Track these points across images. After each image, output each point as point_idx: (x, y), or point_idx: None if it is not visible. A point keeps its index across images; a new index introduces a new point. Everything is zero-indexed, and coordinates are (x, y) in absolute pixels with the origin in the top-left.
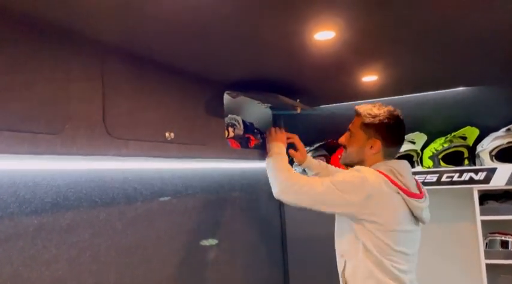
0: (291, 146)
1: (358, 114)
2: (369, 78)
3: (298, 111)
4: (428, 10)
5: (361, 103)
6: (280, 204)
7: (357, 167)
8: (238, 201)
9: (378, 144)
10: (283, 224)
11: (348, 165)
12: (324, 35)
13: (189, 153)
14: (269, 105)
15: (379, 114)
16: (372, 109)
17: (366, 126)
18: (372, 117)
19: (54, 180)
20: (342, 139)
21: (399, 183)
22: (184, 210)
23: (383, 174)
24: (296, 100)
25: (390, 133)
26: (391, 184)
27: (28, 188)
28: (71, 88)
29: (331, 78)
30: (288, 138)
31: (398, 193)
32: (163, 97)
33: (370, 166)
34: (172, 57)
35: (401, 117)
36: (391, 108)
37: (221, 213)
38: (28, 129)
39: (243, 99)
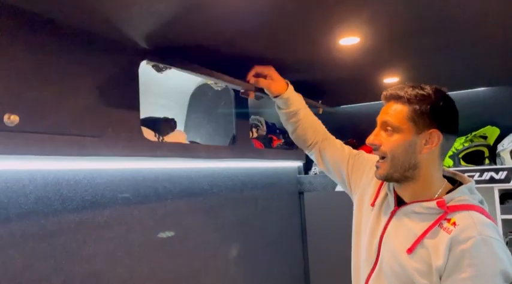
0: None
1: (396, 98)
2: (391, 79)
3: (320, 112)
4: (454, 14)
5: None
6: (300, 202)
7: (464, 224)
8: (260, 199)
9: (437, 135)
10: (303, 221)
11: (390, 180)
12: (349, 40)
13: (217, 153)
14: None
15: (429, 94)
16: (415, 90)
17: (416, 113)
18: (422, 100)
19: (93, 178)
20: (374, 139)
21: (494, 220)
22: (209, 208)
23: (485, 213)
24: (318, 102)
25: (449, 118)
26: (496, 226)
27: (70, 186)
28: (111, 94)
29: (353, 80)
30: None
31: None
32: None
33: (429, 177)
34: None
35: None
36: (434, 85)
37: (244, 210)
38: (76, 132)
39: (265, 101)
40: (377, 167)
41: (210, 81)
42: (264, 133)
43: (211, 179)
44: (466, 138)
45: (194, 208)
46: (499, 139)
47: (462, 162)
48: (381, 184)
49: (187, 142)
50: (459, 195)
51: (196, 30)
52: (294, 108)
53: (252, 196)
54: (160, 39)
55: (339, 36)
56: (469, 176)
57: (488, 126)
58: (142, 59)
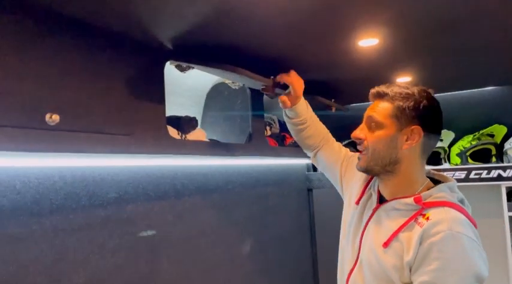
0: (282, 87)
1: (381, 96)
2: (403, 79)
3: (333, 110)
4: (470, 14)
5: None
6: (309, 198)
7: (436, 219)
8: (271, 195)
9: (418, 132)
10: (312, 218)
11: (370, 172)
12: (368, 42)
13: (236, 151)
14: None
15: (414, 93)
16: (400, 88)
17: (399, 109)
18: (405, 98)
19: (116, 175)
20: (358, 134)
21: (475, 221)
22: (224, 204)
23: (462, 211)
24: (331, 100)
25: (431, 116)
26: (472, 225)
27: (96, 183)
28: (139, 94)
29: (367, 80)
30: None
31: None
32: None
33: (409, 174)
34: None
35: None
36: (421, 86)
37: (256, 206)
38: (109, 131)
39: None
40: (359, 159)
41: (227, 81)
42: (277, 131)
43: (225, 176)
44: (474, 136)
45: (210, 204)
46: (506, 137)
47: (469, 160)
48: (367, 184)
49: (208, 140)
50: (437, 192)
51: (222, 32)
52: (301, 119)
53: (264, 193)
54: (184, 40)
55: (358, 37)
56: (476, 174)
57: (496, 125)
58: (167, 60)
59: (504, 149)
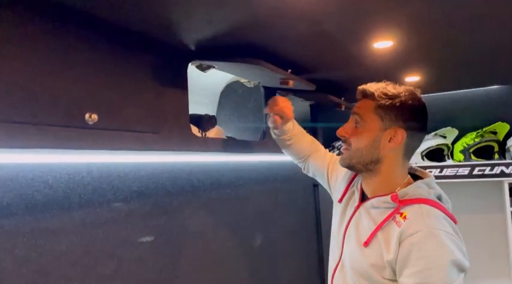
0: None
1: (367, 95)
2: (412, 78)
3: (343, 108)
4: (482, 14)
5: None
6: (315, 194)
7: (413, 218)
8: (279, 191)
9: (401, 134)
10: (318, 213)
11: (352, 169)
12: (383, 44)
13: (252, 148)
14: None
15: (399, 93)
16: (386, 88)
17: (384, 109)
18: (390, 98)
19: (138, 171)
20: (343, 131)
21: (453, 216)
22: (236, 199)
23: (438, 206)
24: (341, 99)
25: (416, 118)
26: (450, 220)
27: (120, 178)
28: (165, 93)
29: (377, 79)
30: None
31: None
32: None
33: (390, 172)
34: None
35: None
36: (408, 87)
37: (265, 202)
38: (140, 129)
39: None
40: (342, 153)
41: (242, 79)
42: None
43: (236, 172)
44: (477, 133)
45: (223, 200)
46: (509, 134)
47: (473, 157)
48: (350, 182)
49: (225, 138)
50: (414, 189)
51: (245, 35)
52: (288, 135)
53: (273, 189)
54: (207, 42)
55: (374, 40)
56: (480, 170)
57: (499, 122)
58: (190, 60)
59: (507, 146)
